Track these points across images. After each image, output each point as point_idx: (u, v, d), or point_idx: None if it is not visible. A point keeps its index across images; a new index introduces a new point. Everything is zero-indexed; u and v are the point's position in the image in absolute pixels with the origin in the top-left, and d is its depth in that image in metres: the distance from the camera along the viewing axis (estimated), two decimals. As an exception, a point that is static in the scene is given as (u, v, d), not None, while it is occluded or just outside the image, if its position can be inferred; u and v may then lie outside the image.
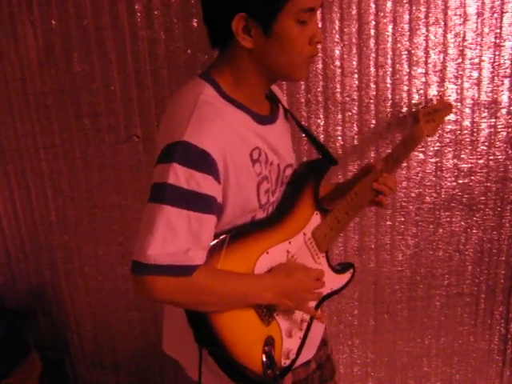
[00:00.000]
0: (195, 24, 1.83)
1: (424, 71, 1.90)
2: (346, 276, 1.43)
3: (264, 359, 1.17)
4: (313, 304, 1.32)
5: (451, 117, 1.95)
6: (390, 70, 1.90)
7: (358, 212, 1.41)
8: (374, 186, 1.37)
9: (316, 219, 1.32)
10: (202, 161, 1.01)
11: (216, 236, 1.11)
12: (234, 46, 1.07)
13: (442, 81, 1.91)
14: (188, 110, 1.05)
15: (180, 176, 1.00)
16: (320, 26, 1.84)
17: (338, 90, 1.92)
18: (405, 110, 1.92)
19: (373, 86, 1.92)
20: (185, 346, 1.24)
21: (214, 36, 1.12)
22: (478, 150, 2.01)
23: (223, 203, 1.09)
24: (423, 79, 1.90)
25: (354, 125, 1.95)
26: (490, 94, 1.94)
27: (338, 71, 1.90)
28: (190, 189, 1.00)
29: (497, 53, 1.90)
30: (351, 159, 2.00)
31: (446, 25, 1.87)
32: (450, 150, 2.00)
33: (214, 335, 1.10)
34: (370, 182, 1.38)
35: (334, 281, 1.39)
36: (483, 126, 1.98)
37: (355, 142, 1.98)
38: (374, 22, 1.85)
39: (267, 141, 1.16)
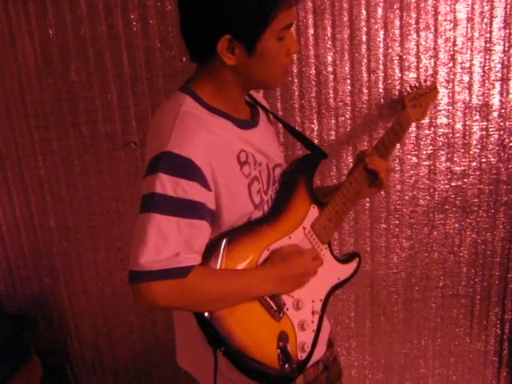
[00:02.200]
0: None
1: (416, 76, 1.93)
2: (352, 265, 1.46)
3: (280, 355, 1.19)
4: (321, 297, 1.34)
5: (443, 120, 1.98)
6: (382, 75, 1.93)
7: (356, 201, 1.45)
8: (367, 166, 1.39)
9: (314, 212, 1.33)
10: (186, 168, 1.04)
11: (214, 240, 1.13)
12: (215, 61, 1.10)
13: (433, 85, 1.94)
14: (170, 122, 1.08)
15: (166, 185, 1.03)
16: (312, 32, 1.87)
17: (331, 96, 1.95)
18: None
19: (365, 91, 1.94)
20: (198, 357, 1.26)
21: (194, 52, 1.14)
22: (471, 152, 2.03)
23: (217, 210, 1.12)
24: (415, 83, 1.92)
25: (348, 129, 1.98)
26: (481, 98, 1.96)
27: (331, 77, 1.93)
28: (177, 196, 1.03)
29: (487, 57, 1.92)
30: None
31: (436, 30, 1.89)
32: (443, 153, 2.03)
33: (225, 334, 1.11)
34: (362, 168, 1.41)
35: (340, 271, 1.42)
36: (475, 128, 2.00)
37: (349, 146, 2.01)
38: (365, 28, 1.88)
39: (252, 143, 1.20)
